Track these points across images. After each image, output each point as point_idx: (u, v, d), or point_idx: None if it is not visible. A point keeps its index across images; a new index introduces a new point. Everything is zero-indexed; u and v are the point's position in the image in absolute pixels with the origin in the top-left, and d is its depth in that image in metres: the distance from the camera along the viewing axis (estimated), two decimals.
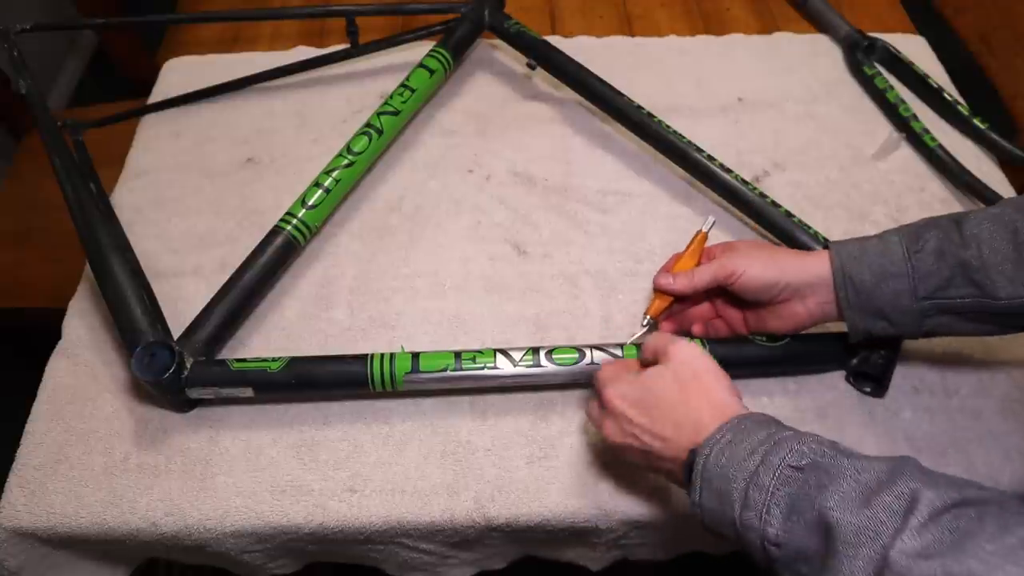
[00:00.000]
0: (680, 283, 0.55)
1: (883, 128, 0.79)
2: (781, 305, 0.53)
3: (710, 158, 0.68)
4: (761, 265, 0.52)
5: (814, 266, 0.52)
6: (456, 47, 0.78)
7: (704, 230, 0.59)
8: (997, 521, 0.32)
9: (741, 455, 0.40)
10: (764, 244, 0.55)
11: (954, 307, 0.48)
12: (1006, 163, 0.77)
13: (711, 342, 0.57)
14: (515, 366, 0.55)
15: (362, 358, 0.56)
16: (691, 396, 0.45)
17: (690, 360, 0.46)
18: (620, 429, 0.47)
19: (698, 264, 0.57)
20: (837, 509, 0.35)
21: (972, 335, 0.51)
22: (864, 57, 0.84)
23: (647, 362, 0.49)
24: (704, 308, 0.59)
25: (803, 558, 0.36)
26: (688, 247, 0.58)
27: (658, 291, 0.57)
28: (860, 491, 0.35)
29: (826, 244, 0.53)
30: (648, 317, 0.57)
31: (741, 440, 0.41)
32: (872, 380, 0.59)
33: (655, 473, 0.48)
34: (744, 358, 0.57)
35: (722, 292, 0.55)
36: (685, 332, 0.59)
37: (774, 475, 0.38)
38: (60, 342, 0.63)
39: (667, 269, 0.58)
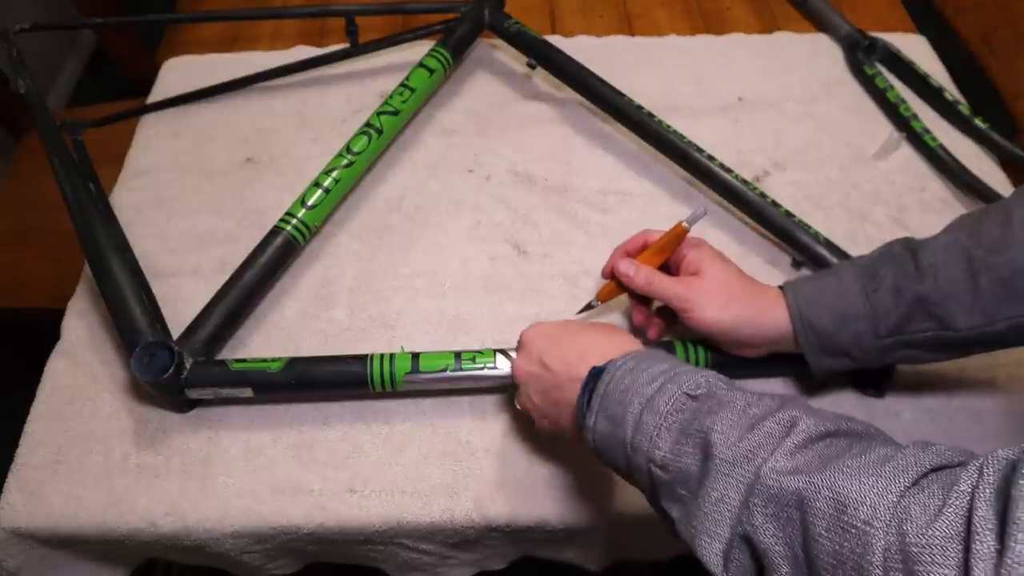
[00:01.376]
0: (639, 281, 0.55)
1: (883, 128, 0.79)
2: (732, 345, 0.54)
3: (710, 158, 0.68)
4: (717, 311, 0.51)
5: (771, 320, 0.51)
6: (456, 47, 0.77)
7: (686, 225, 0.55)
8: (862, 445, 0.33)
9: (641, 381, 0.40)
10: (728, 282, 0.52)
11: (915, 341, 0.48)
12: (1007, 163, 0.77)
13: (702, 342, 0.56)
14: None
15: (362, 358, 0.55)
16: (600, 332, 0.48)
17: (593, 322, 0.49)
18: (528, 358, 0.49)
19: (669, 257, 0.56)
20: (720, 432, 0.36)
21: (935, 362, 0.51)
22: (865, 57, 0.84)
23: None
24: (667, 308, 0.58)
25: (684, 481, 0.37)
26: (662, 238, 0.56)
27: (615, 272, 0.56)
28: (746, 420, 0.36)
29: (781, 287, 0.52)
30: (597, 300, 0.58)
31: (643, 368, 0.41)
32: (872, 380, 0.59)
33: (554, 417, 0.48)
34: (744, 359, 0.57)
35: None
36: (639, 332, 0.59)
37: (669, 401, 0.39)
38: (59, 342, 0.63)
39: (631, 249, 0.57)
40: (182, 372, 0.54)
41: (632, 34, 0.93)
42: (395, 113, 0.71)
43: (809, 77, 0.84)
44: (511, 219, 0.71)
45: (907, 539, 0.27)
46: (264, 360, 0.55)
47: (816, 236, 0.64)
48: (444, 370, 0.55)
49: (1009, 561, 0.23)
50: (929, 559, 0.26)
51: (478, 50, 0.87)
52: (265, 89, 0.83)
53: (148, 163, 0.76)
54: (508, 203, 0.72)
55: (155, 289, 0.62)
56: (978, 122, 0.77)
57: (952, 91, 0.81)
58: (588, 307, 0.59)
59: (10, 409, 0.65)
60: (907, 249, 0.49)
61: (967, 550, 0.25)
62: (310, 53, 0.83)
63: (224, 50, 0.91)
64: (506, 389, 0.59)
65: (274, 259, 0.62)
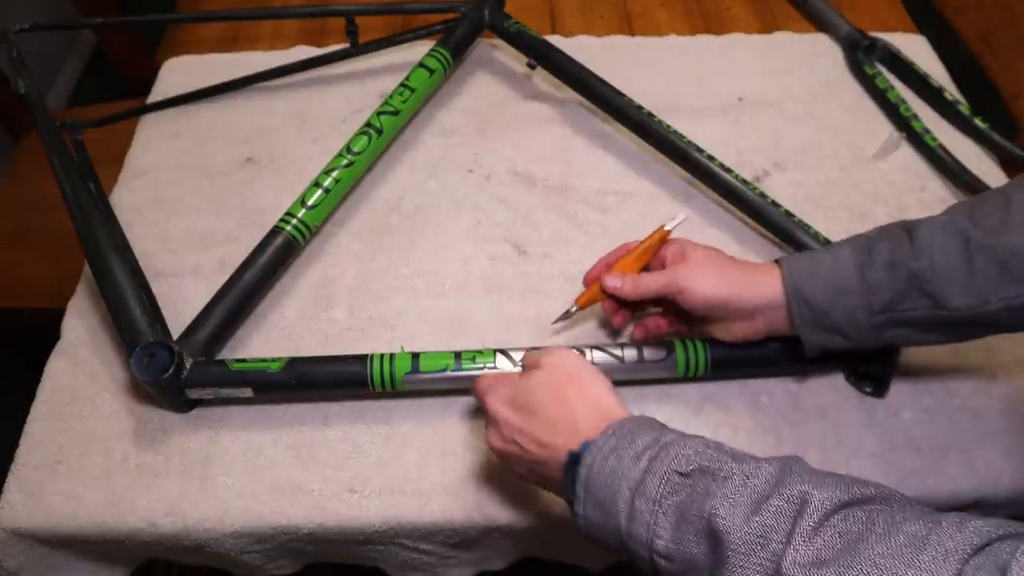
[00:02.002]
0: (628, 289, 0.54)
1: (884, 128, 0.79)
2: (728, 322, 0.53)
3: (710, 158, 0.68)
4: (711, 284, 0.51)
5: (765, 287, 0.51)
6: (456, 47, 0.77)
7: (667, 228, 0.56)
8: (885, 519, 0.31)
9: (626, 463, 0.38)
10: (717, 258, 0.53)
11: (909, 319, 0.48)
12: (1007, 163, 0.77)
13: (711, 342, 0.56)
14: (515, 366, 0.55)
15: (362, 358, 0.55)
16: (567, 397, 0.43)
17: (563, 362, 0.45)
18: (501, 435, 0.45)
19: (650, 260, 0.56)
20: (725, 516, 0.34)
21: (928, 344, 0.50)
22: (865, 57, 0.84)
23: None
24: (652, 305, 0.58)
25: (692, 569, 0.35)
26: (644, 242, 0.56)
27: (603, 288, 0.55)
28: (748, 496, 0.34)
29: (777, 260, 0.52)
30: (576, 307, 0.57)
31: (625, 447, 0.39)
32: (872, 380, 0.59)
33: (541, 485, 0.46)
34: (744, 358, 0.57)
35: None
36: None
37: (661, 483, 0.36)
38: (59, 342, 0.63)
39: (609, 264, 0.57)
40: (182, 372, 0.54)
41: (632, 34, 0.93)
42: (395, 113, 0.71)
43: (809, 77, 0.84)
44: (511, 219, 0.71)
45: None
46: (264, 360, 0.55)
47: (816, 236, 0.64)
48: (444, 370, 0.55)
49: None
50: None
51: (478, 50, 0.87)
52: (265, 89, 0.83)
53: (148, 163, 0.76)
54: (508, 203, 0.72)
55: (155, 289, 0.62)
56: (978, 122, 0.77)
57: (952, 91, 0.81)
58: (567, 314, 0.58)
59: (10, 409, 0.65)
60: (904, 229, 0.49)
61: None
62: (310, 53, 0.83)
63: (224, 50, 0.91)
64: None
65: (274, 259, 0.62)
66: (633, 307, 0.58)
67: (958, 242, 0.47)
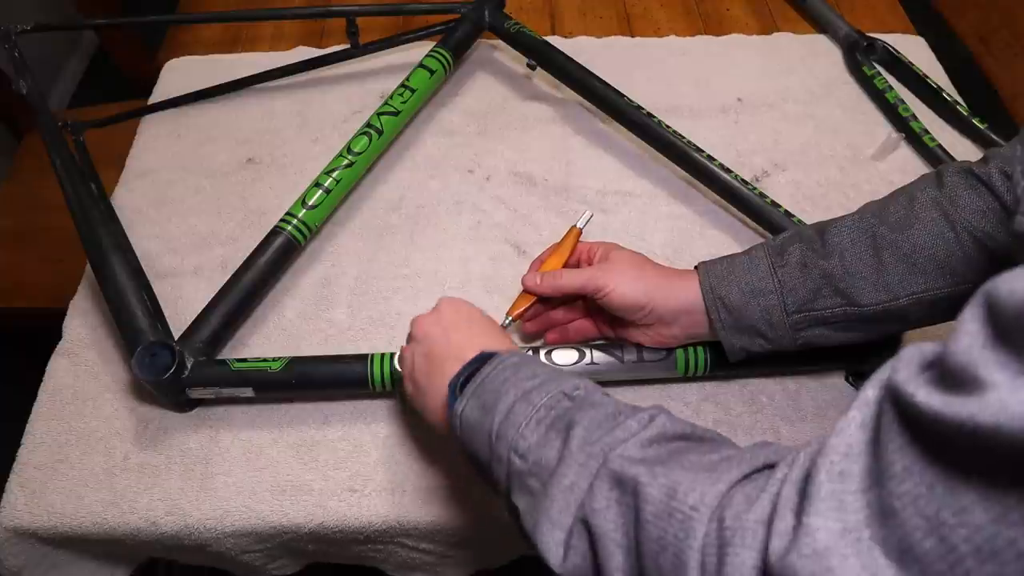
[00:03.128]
0: (546, 285, 0.55)
1: (882, 128, 0.79)
2: (647, 327, 0.53)
3: (710, 158, 0.68)
4: (630, 286, 0.51)
5: (683, 291, 0.51)
6: (456, 47, 0.78)
7: (578, 226, 0.58)
8: (710, 447, 0.34)
9: (522, 376, 0.40)
10: (639, 262, 0.54)
11: (823, 318, 0.49)
12: None
13: (707, 344, 0.56)
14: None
15: (362, 358, 0.56)
16: (493, 329, 0.48)
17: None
18: (437, 319, 0.48)
19: (570, 259, 0.57)
20: (583, 426, 0.36)
21: (846, 343, 0.51)
22: (863, 57, 0.84)
23: None
24: (574, 310, 0.59)
25: (539, 471, 0.36)
26: (560, 243, 0.58)
27: (523, 287, 0.56)
28: (612, 420, 0.36)
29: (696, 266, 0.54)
30: (509, 317, 0.56)
31: (527, 366, 0.41)
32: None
33: (423, 384, 0.47)
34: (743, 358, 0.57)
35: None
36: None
37: (545, 396, 0.38)
38: (61, 342, 0.63)
39: (538, 266, 0.58)
40: (183, 372, 0.54)
41: (632, 35, 0.93)
42: (395, 113, 0.71)
43: (808, 78, 0.85)
44: (511, 219, 0.71)
45: (724, 524, 0.28)
46: (264, 360, 0.56)
47: None
48: None
49: (803, 534, 0.24)
50: (739, 541, 0.27)
51: (478, 51, 0.87)
52: (266, 90, 0.83)
53: (149, 163, 0.77)
54: (508, 203, 0.72)
55: (156, 289, 0.62)
56: (976, 122, 0.77)
57: (951, 92, 0.81)
58: (502, 327, 0.56)
59: (11, 409, 0.65)
60: (816, 230, 0.51)
61: (770, 533, 0.26)
62: (311, 54, 0.83)
63: (225, 51, 0.91)
64: None
65: (275, 259, 0.62)
66: (556, 317, 0.59)
67: (866, 240, 0.48)
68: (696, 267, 0.53)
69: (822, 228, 0.51)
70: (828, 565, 0.23)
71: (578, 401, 0.38)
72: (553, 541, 0.34)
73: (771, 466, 0.31)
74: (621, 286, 0.51)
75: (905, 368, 0.24)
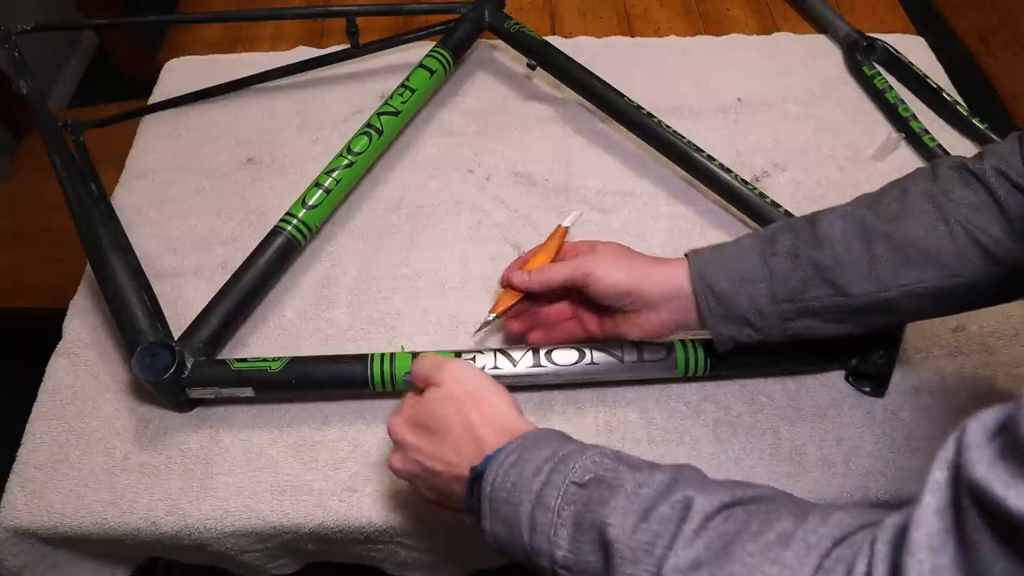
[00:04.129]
0: (535, 280, 0.54)
1: (882, 128, 0.79)
2: (635, 314, 0.52)
3: (710, 158, 0.68)
4: (617, 272, 0.51)
5: (671, 276, 0.51)
6: (456, 47, 0.78)
7: (564, 225, 0.58)
8: (761, 518, 0.32)
9: (527, 476, 0.38)
10: (625, 250, 0.53)
11: (813, 308, 0.49)
12: None
13: (707, 344, 0.57)
14: (515, 366, 0.55)
15: (362, 358, 0.56)
16: (469, 413, 0.42)
17: (463, 377, 0.44)
18: (405, 457, 0.45)
19: (556, 257, 0.57)
20: (615, 525, 0.34)
21: (834, 336, 0.51)
22: (863, 57, 0.84)
23: (420, 390, 0.46)
24: (561, 308, 0.58)
25: None
26: (546, 241, 0.58)
27: (508, 287, 0.56)
28: (639, 504, 0.34)
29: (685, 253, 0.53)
30: (493, 315, 0.56)
31: (526, 460, 0.38)
32: (872, 380, 0.59)
33: (448, 506, 0.45)
34: (743, 358, 0.57)
35: (579, 292, 0.54)
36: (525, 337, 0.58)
37: (559, 494, 0.36)
38: (61, 342, 0.63)
39: (522, 264, 0.57)
40: (183, 372, 0.54)
41: (632, 35, 0.93)
42: (395, 113, 0.71)
43: (808, 78, 0.85)
44: (511, 219, 0.71)
45: None
46: (265, 360, 0.56)
47: None
48: None
49: None
50: None
51: (478, 51, 0.87)
52: (266, 90, 0.83)
53: (149, 163, 0.77)
54: (508, 203, 0.72)
55: (156, 289, 0.62)
56: (976, 122, 0.77)
57: (950, 92, 0.81)
58: (486, 323, 0.57)
59: (11, 409, 0.65)
60: (807, 220, 0.50)
61: None
62: (311, 54, 0.83)
63: (225, 51, 0.91)
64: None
65: (274, 259, 0.62)
66: (542, 315, 0.58)
67: (858, 230, 0.48)
68: (686, 254, 0.53)
69: (813, 218, 0.50)
70: None
71: (592, 488, 0.36)
72: None
73: (839, 543, 0.29)
74: (608, 273, 0.51)
75: (974, 451, 0.23)
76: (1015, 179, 0.44)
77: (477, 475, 0.40)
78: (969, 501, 0.23)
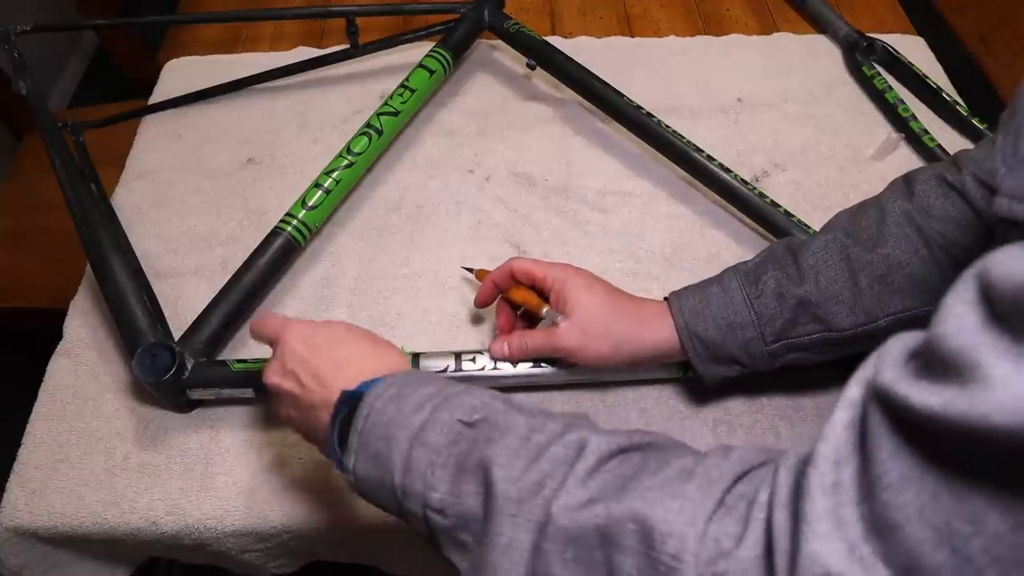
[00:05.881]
0: (516, 355, 0.52)
1: (882, 128, 0.79)
2: (626, 364, 0.51)
3: (709, 158, 0.68)
4: (596, 345, 0.49)
5: (656, 334, 0.49)
6: (456, 47, 0.78)
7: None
8: (660, 457, 0.31)
9: (407, 410, 0.34)
10: (601, 304, 0.50)
11: (802, 344, 0.48)
12: None
13: None
14: (515, 367, 0.55)
15: None
16: (359, 343, 0.41)
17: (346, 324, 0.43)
18: (282, 366, 0.41)
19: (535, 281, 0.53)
20: (504, 465, 0.31)
21: (823, 361, 0.50)
22: (863, 57, 0.84)
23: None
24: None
25: (466, 525, 0.32)
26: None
27: (490, 355, 0.54)
28: (530, 446, 0.32)
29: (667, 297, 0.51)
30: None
31: (407, 395, 0.35)
32: None
33: (307, 436, 0.42)
34: None
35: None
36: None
37: (442, 431, 0.33)
38: (61, 342, 0.63)
39: (499, 279, 0.54)
40: (183, 373, 0.54)
41: (632, 35, 0.93)
42: (395, 114, 0.71)
43: (808, 78, 0.85)
44: (511, 219, 0.71)
45: (717, 569, 0.25)
46: (265, 361, 0.56)
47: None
48: (444, 370, 0.55)
49: (807, 563, 0.22)
50: None
51: (478, 51, 0.87)
52: (266, 90, 0.83)
53: (149, 164, 0.77)
54: (508, 203, 0.73)
55: (156, 289, 0.62)
56: (976, 122, 0.77)
57: (950, 92, 0.81)
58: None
59: (11, 409, 0.65)
60: (788, 251, 0.50)
61: (771, 566, 0.24)
62: (311, 54, 0.83)
63: (225, 51, 0.91)
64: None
65: (274, 260, 0.62)
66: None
67: (840, 261, 0.47)
68: (667, 298, 0.51)
69: (795, 249, 0.49)
70: None
71: (480, 428, 0.33)
72: None
73: (740, 478, 0.28)
74: (589, 350, 0.49)
75: (891, 366, 0.22)
76: (993, 185, 0.44)
77: (347, 401, 0.37)
78: (875, 407, 0.22)
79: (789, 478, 0.25)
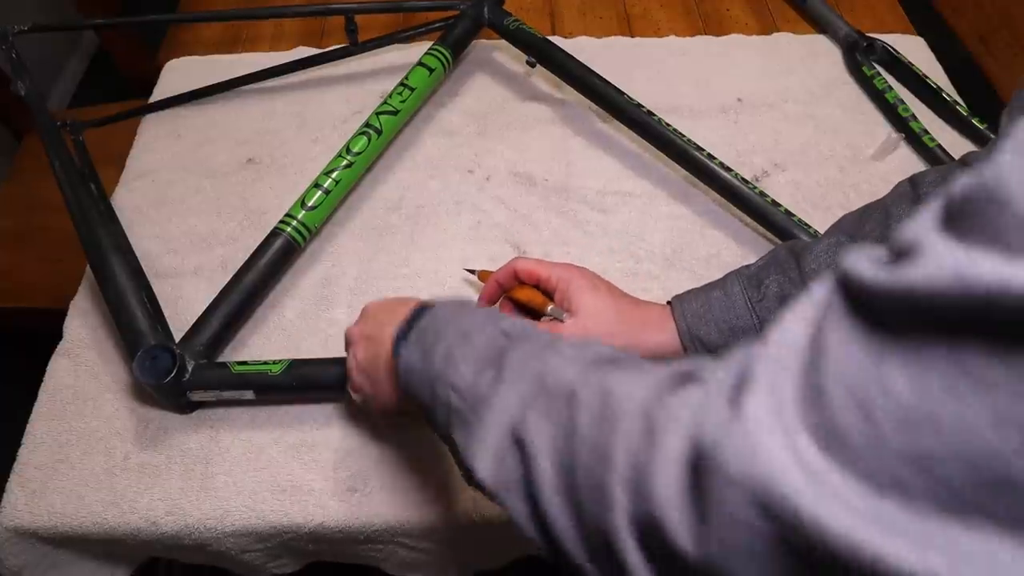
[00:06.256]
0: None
1: (882, 128, 0.79)
2: None
3: (710, 157, 0.68)
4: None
5: (657, 335, 0.50)
6: (455, 44, 0.77)
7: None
8: (630, 359, 0.33)
9: (460, 319, 0.40)
10: (601, 313, 0.50)
11: None
12: None
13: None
14: None
15: None
16: (401, 297, 0.48)
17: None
18: (364, 321, 0.48)
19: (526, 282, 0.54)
20: (515, 355, 0.35)
21: None
22: (863, 57, 0.84)
23: None
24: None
25: (475, 405, 0.35)
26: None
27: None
28: (545, 346, 0.35)
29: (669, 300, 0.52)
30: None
31: (466, 309, 0.41)
32: None
33: (371, 367, 0.47)
34: None
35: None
36: None
37: (484, 335, 0.38)
38: (61, 342, 0.63)
39: (503, 279, 0.55)
40: (184, 375, 0.54)
41: (632, 35, 0.93)
42: (394, 113, 0.71)
43: (808, 78, 0.85)
44: (511, 219, 0.71)
45: (651, 414, 0.26)
46: (265, 363, 0.56)
47: (816, 236, 0.64)
48: None
49: (735, 416, 0.23)
50: (666, 428, 0.25)
51: (478, 51, 0.87)
52: (266, 90, 0.83)
53: (149, 164, 0.77)
54: (508, 203, 0.72)
55: (156, 289, 0.62)
56: (976, 122, 0.77)
57: (950, 92, 0.81)
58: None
59: (11, 409, 0.65)
60: (791, 254, 0.50)
61: (700, 415, 0.24)
62: (311, 53, 0.83)
63: (226, 51, 0.91)
64: None
65: (274, 261, 0.62)
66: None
67: None
68: (669, 302, 0.51)
69: (798, 252, 0.49)
70: (754, 443, 0.22)
71: (515, 336, 0.37)
72: (484, 462, 0.32)
73: (684, 373, 0.29)
74: None
75: (854, 255, 0.23)
76: None
77: (418, 312, 0.43)
78: (836, 296, 0.23)
79: (742, 356, 0.26)
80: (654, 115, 0.70)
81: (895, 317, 0.20)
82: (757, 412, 0.22)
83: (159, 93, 0.84)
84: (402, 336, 0.42)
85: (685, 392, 0.27)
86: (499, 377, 0.34)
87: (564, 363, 0.33)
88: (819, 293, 0.24)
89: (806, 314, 0.24)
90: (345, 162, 0.67)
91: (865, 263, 0.22)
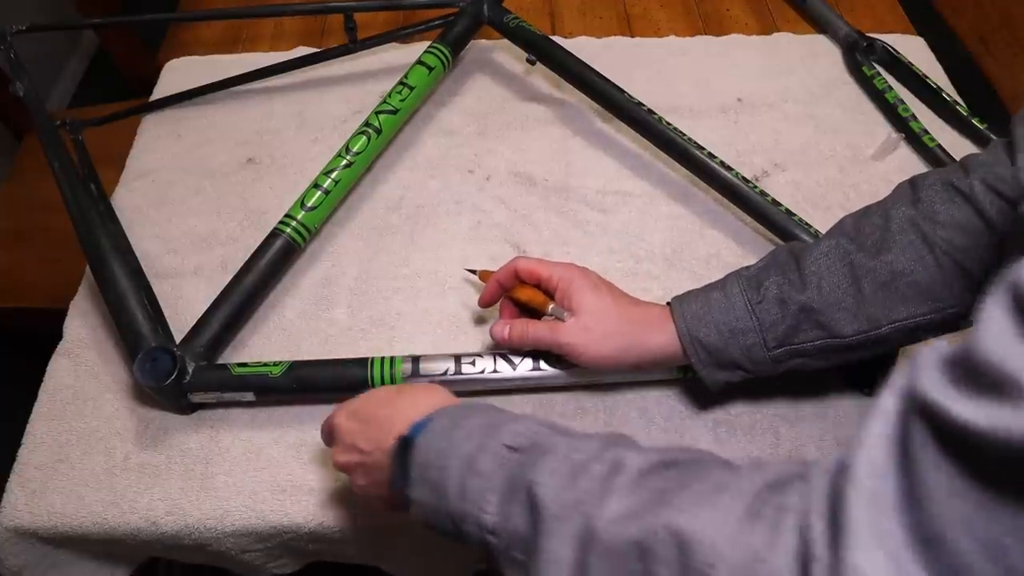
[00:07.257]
0: (514, 340, 0.52)
1: (882, 128, 0.79)
2: (627, 369, 0.52)
3: (710, 155, 0.68)
4: (597, 346, 0.49)
5: (657, 337, 0.50)
6: (455, 42, 0.77)
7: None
8: (694, 473, 0.32)
9: (458, 441, 0.37)
10: (602, 311, 0.50)
11: (804, 351, 0.48)
12: None
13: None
14: (515, 370, 0.55)
15: (362, 361, 0.56)
16: (402, 399, 0.44)
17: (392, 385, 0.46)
18: (344, 448, 0.45)
19: (526, 281, 0.54)
20: (545, 484, 0.33)
21: (827, 369, 0.51)
22: (863, 57, 0.84)
23: None
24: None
25: (517, 544, 0.34)
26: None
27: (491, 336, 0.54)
28: (570, 464, 0.34)
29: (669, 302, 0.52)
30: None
31: (458, 427, 0.38)
32: (872, 380, 0.59)
33: (379, 491, 0.44)
34: None
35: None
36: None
37: (491, 459, 0.36)
38: (61, 342, 0.63)
39: (503, 279, 0.55)
40: (184, 377, 0.54)
41: (632, 35, 0.93)
42: (394, 112, 0.71)
43: (808, 78, 0.85)
44: (511, 219, 0.71)
45: (750, 573, 0.25)
46: (265, 364, 0.56)
47: (816, 236, 0.64)
48: (444, 373, 0.55)
49: (841, 571, 0.22)
50: None
51: (478, 51, 0.87)
52: (265, 90, 0.83)
53: (149, 164, 0.77)
54: (508, 203, 0.72)
55: (156, 289, 0.62)
56: (976, 122, 0.77)
57: (950, 92, 0.81)
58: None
59: (11, 409, 0.65)
60: (791, 256, 0.49)
61: (805, 569, 0.24)
62: (310, 52, 0.83)
63: (226, 51, 0.91)
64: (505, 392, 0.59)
65: (274, 262, 0.62)
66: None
67: (843, 267, 0.47)
68: (669, 303, 0.51)
69: (798, 254, 0.49)
70: None
71: (525, 452, 0.35)
72: None
73: (771, 487, 0.28)
74: (589, 350, 0.49)
75: (927, 374, 0.22)
76: (1004, 191, 0.43)
77: (405, 443, 0.40)
78: (916, 418, 0.22)
79: (824, 486, 0.25)
80: (654, 113, 0.70)
81: (1009, 462, 0.19)
82: (876, 567, 0.21)
83: (159, 93, 0.84)
84: (402, 478, 0.39)
85: (779, 543, 0.25)
86: (536, 519, 0.32)
87: (611, 499, 0.31)
88: (892, 405, 0.24)
89: (885, 431, 0.23)
90: (345, 162, 0.67)
91: (948, 396, 0.21)
